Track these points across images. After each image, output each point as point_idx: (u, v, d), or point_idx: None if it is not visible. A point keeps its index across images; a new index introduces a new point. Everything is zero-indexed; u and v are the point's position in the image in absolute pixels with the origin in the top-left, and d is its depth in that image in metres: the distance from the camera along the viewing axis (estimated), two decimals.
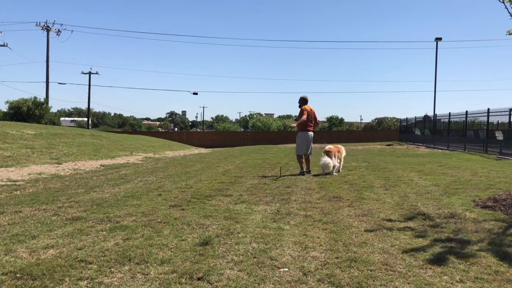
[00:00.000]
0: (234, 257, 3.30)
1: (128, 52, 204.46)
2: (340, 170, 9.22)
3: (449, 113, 22.69)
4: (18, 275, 2.89)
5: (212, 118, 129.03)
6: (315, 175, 8.59)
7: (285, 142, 36.51)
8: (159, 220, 4.45)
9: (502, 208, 5.09)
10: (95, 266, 3.07)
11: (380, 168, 9.99)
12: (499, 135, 17.08)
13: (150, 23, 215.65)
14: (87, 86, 45.82)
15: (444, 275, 2.99)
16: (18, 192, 6.40)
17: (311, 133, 8.99)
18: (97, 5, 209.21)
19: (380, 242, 3.74)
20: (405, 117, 33.25)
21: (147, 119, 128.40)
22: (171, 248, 3.51)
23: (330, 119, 79.23)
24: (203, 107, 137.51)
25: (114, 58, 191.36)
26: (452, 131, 22.64)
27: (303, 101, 9.05)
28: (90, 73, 45.85)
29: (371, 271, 3.04)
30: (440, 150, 20.16)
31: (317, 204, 5.45)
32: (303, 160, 8.98)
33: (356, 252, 3.46)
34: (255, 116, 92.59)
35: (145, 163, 12.03)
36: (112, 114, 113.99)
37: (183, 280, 2.85)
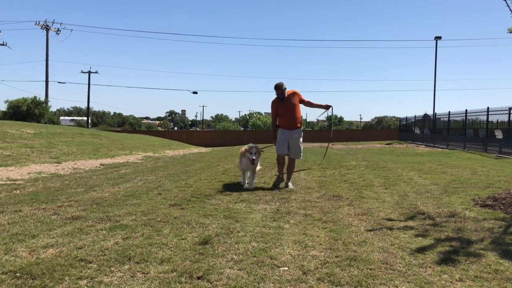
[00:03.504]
0: (234, 256, 3.30)
1: (128, 51, 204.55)
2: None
3: (449, 112, 22.72)
4: (17, 274, 2.89)
5: (211, 117, 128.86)
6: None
7: None
8: (158, 219, 4.45)
9: (501, 207, 5.09)
10: (95, 265, 3.07)
11: (379, 167, 9.99)
12: (499, 134, 17.09)
13: (150, 22, 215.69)
14: (87, 85, 45.85)
15: (443, 274, 2.99)
16: (18, 191, 6.39)
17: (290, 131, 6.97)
18: (97, 4, 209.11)
19: (380, 241, 3.74)
20: (404, 116, 33.31)
21: (147, 118, 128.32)
22: (171, 247, 3.50)
23: (330, 118, 79.21)
24: (203, 106, 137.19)
25: (113, 57, 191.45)
26: (452, 130, 22.65)
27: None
28: (89, 72, 45.87)
29: (370, 270, 3.04)
30: (439, 149, 20.16)
31: (317, 203, 5.45)
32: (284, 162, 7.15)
33: (355, 251, 3.46)
34: (254, 115, 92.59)
35: (145, 162, 12.02)
36: (112, 113, 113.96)
37: (183, 279, 2.85)
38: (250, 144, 6.98)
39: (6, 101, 32.10)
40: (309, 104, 7.12)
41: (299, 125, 6.98)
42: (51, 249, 3.43)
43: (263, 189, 6.62)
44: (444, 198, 5.84)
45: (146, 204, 5.29)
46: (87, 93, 48.14)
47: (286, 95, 6.87)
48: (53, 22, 37.81)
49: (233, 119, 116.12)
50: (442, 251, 3.47)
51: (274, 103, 7.00)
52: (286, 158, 7.14)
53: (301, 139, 7.03)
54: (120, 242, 3.63)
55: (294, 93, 6.94)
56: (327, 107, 7.18)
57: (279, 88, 6.83)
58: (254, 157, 6.63)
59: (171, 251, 3.41)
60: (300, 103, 6.99)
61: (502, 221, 4.47)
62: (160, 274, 2.93)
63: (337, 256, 3.32)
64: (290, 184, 6.85)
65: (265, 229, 4.09)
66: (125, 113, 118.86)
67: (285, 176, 7.11)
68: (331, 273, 2.96)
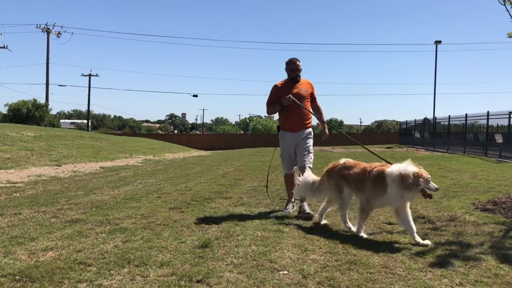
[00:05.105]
0: (234, 259, 3.29)
1: (128, 54, 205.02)
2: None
3: (449, 116, 22.71)
4: (17, 277, 2.88)
5: (212, 120, 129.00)
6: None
7: None
8: (158, 222, 4.45)
9: (501, 211, 5.08)
10: (94, 269, 3.07)
11: None
12: (499, 138, 17.09)
13: (150, 25, 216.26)
14: (87, 88, 45.93)
15: (443, 278, 2.98)
16: (18, 194, 6.39)
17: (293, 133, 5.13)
18: (97, 7, 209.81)
19: (380, 245, 3.73)
20: (404, 120, 33.34)
21: (147, 121, 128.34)
22: (171, 250, 3.50)
23: (330, 122, 79.29)
24: (203, 110, 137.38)
25: (114, 60, 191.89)
26: (452, 134, 22.65)
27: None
28: (90, 75, 45.98)
29: (370, 274, 3.04)
30: (439, 153, 20.15)
31: (317, 207, 5.44)
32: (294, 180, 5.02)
33: (355, 254, 3.45)
34: (255, 118, 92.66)
35: (145, 165, 12.02)
36: (112, 116, 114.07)
37: (183, 282, 2.84)
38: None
39: (7, 104, 32.20)
40: (317, 110, 5.29)
41: (308, 124, 5.15)
42: (50, 252, 3.43)
43: (262, 192, 6.61)
44: (444, 202, 5.83)
45: (146, 207, 5.29)
46: (87, 96, 48.27)
47: (300, 79, 5.09)
48: (54, 25, 38.00)
49: (233, 123, 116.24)
50: (442, 255, 3.46)
51: (277, 89, 5.06)
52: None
53: (310, 141, 5.11)
54: (119, 245, 3.63)
55: (308, 84, 5.16)
56: (326, 134, 5.43)
57: (292, 63, 4.95)
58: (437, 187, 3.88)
59: (170, 254, 3.40)
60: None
61: (502, 225, 4.46)
62: (160, 277, 2.93)
63: (337, 260, 3.31)
64: (306, 206, 4.87)
65: (265, 233, 4.08)
66: (125, 116, 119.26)
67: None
68: (331, 277, 2.96)
